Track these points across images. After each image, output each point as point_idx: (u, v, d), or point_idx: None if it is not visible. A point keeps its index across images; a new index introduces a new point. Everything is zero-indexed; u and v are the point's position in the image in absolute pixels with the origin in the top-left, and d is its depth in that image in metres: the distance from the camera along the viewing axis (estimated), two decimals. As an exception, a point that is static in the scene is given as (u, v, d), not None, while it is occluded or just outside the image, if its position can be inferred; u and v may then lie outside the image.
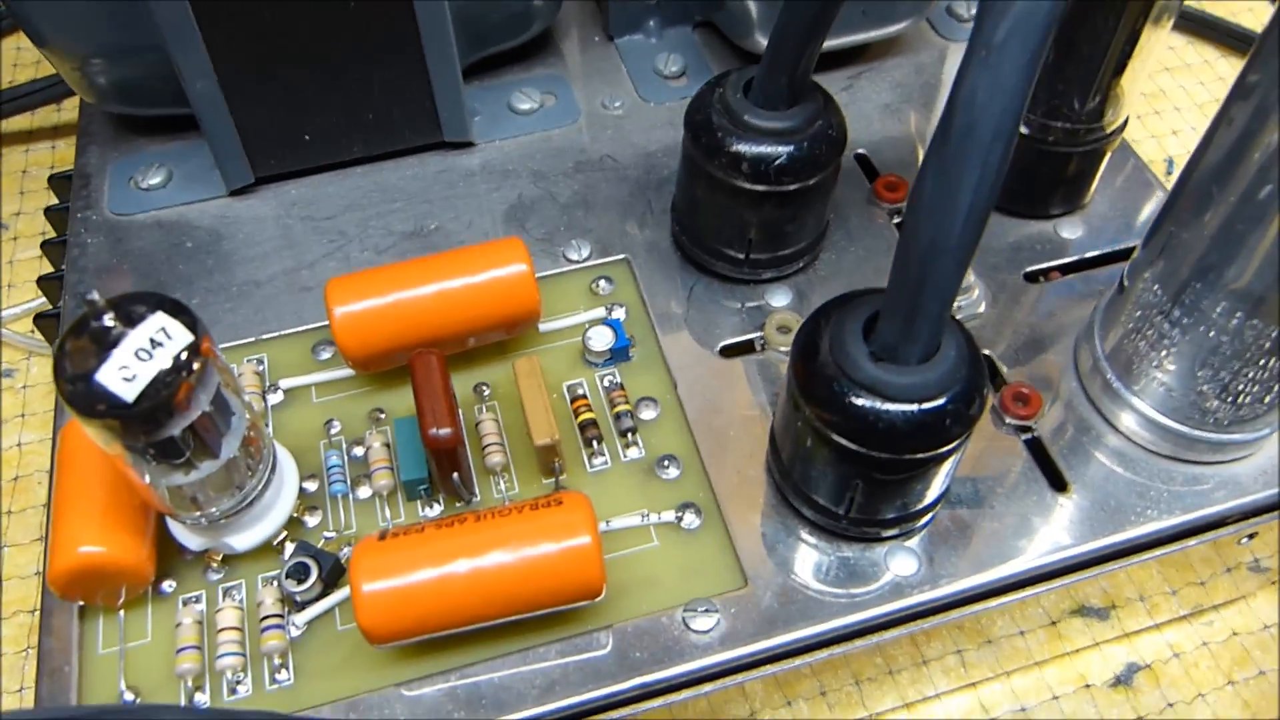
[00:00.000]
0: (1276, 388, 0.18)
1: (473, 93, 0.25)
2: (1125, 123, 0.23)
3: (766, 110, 0.20)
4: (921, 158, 0.25)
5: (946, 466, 0.17)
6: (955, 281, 0.15)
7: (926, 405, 0.16)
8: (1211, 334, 0.18)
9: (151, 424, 0.15)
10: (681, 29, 0.27)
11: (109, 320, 0.14)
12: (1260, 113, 0.15)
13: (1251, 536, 0.20)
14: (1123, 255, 0.23)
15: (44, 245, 0.26)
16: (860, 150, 0.25)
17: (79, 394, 0.14)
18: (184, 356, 0.15)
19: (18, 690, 0.23)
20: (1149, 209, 0.24)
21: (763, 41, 0.25)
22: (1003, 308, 0.22)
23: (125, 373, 0.14)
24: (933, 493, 0.18)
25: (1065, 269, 0.23)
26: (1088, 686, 0.23)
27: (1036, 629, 0.23)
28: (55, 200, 0.26)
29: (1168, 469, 0.20)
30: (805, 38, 0.19)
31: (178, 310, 0.15)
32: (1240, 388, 0.18)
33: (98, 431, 0.15)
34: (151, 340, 0.15)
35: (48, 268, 0.26)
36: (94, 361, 0.14)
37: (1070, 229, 0.23)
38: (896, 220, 0.24)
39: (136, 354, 0.14)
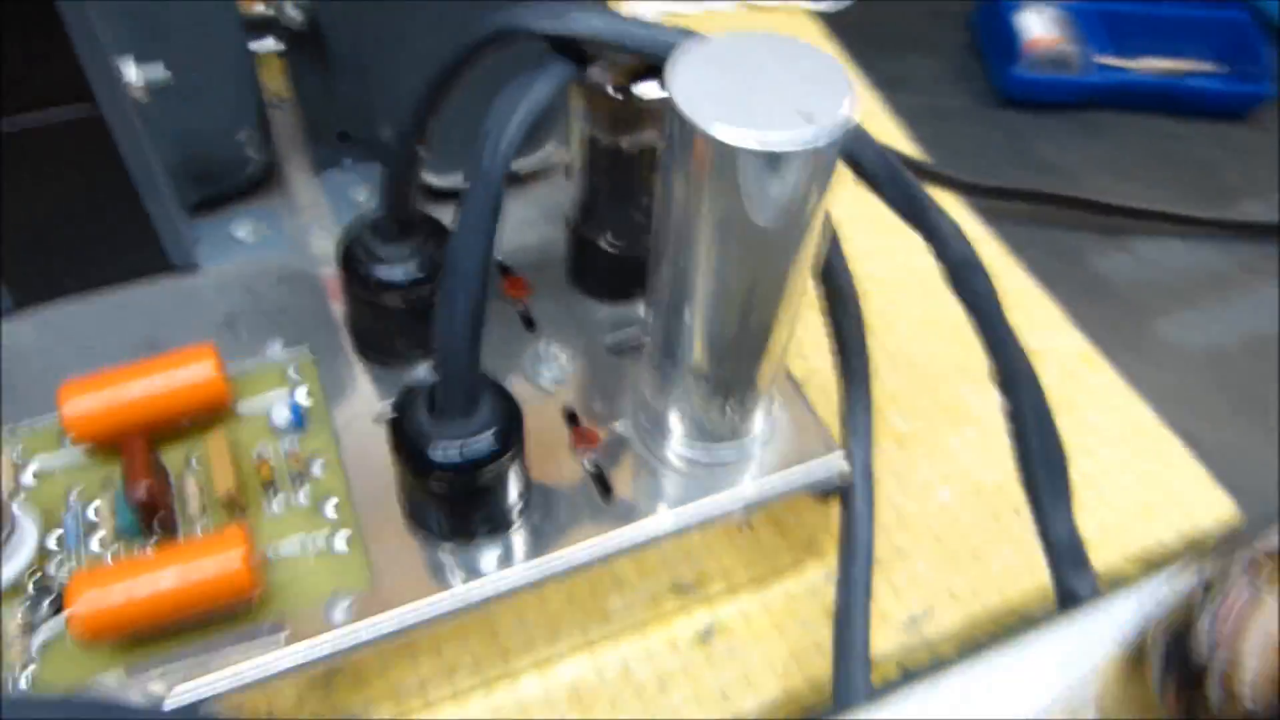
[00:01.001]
0: (730, 414, 0.27)
1: (199, 225, 0.33)
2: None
3: (389, 242, 0.28)
4: (547, 262, 0.33)
5: (501, 485, 0.25)
6: (469, 366, 0.23)
7: (468, 443, 0.24)
8: (678, 386, 0.26)
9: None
10: (373, 165, 0.35)
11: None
12: (658, 238, 0.24)
13: (747, 522, 0.29)
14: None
15: None
16: (500, 258, 0.33)
17: None
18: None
19: None
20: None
21: (432, 178, 0.33)
22: (592, 372, 0.30)
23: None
24: (504, 503, 0.26)
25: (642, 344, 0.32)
26: (675, 644, 0.31)
27: (640, 604, 0.31)
28: None
29: (688, 478, 0.28)
30: (402, 189, 0.27)
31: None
32: (711, 418, 0.27)
33: None
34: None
35: None
36: None
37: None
38: (519, 309, 0.32)
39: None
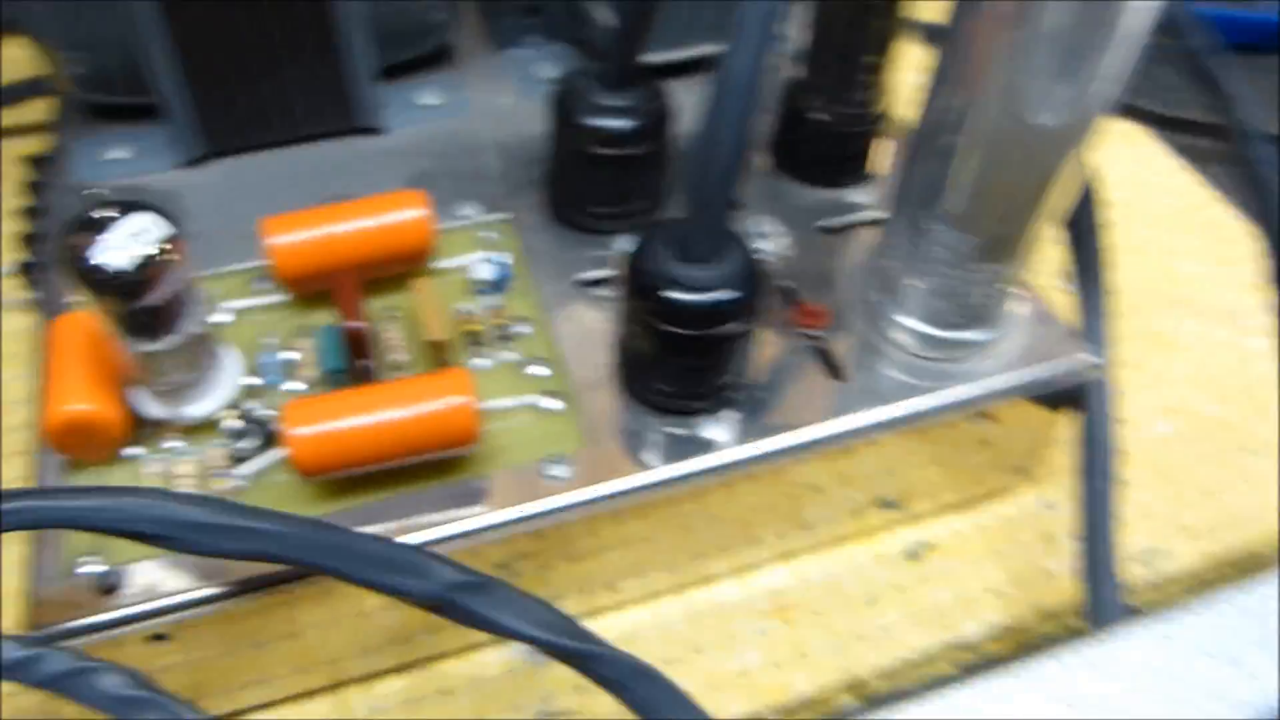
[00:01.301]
0: (990, 290, 0.24)
1: (387, 90, 0.31)
2: (886, 112, 0.29)
3: (609, 92, 0.26)
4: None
5: (738, 347, 0.23)
6: (731, 190, 0.21)
7: (719, 292, 0.22)
8: (934, 249, 0.24)
9: (133, 293, 0.20)
10: (560, 44, 0.33)
11: (106, 212, 0.20)
12: (940, 82, 0.22)
13: (985, 417, 0.26)
14: (904, 218, 0.30)
15: (25, 210, 0.31)
16: (701, 139, 0.31)
17: (82, 269, 0.19)
18: (163, 245, 0.20)
19: None
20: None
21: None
22: (803, 253, 0.28)
23: (119, 251, 0.19)
24: (733, 372, 0.24)
25: (850, 226, 0.29)
26: (883, 558, 0.28)
27: (843, 517, 0.28)
28: (36, 176, 0.31)
29: (923, 366, 0.26)
30: (632, 32, 0.25)
31: (163, 211, 0.20)
32: (963, 291, 0.24)
33: (91, 297, 0.20)
34: (140, 229, 0.20)
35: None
36: (92, 242, 0.19)
37: (859, 195, 0.30)
38: (726, 190, 0.30)
39: (129, 237, 0.19)
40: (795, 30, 0.28)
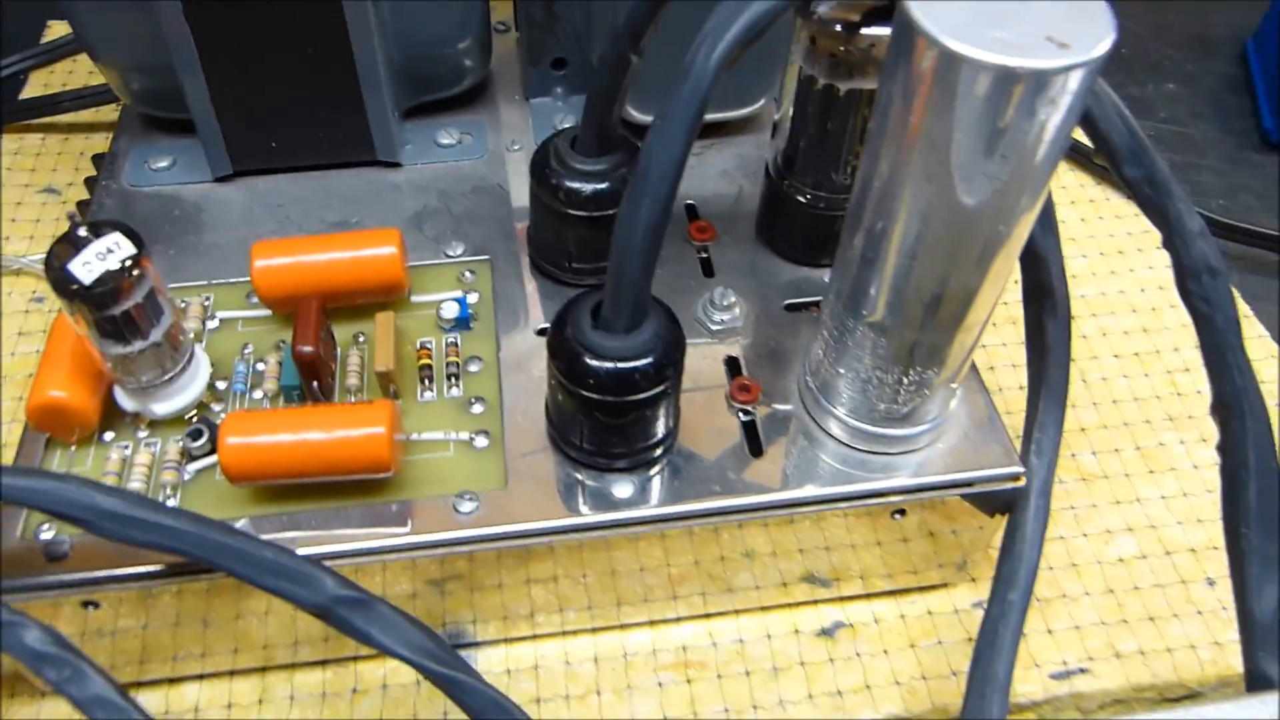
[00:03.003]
0: (903, 392, 0.25)
1: (411, 127, 0.34)
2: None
3: (583, 157, 0.27)
4: (737, 213, 0.32)
5: (650, 413, 0.24)
6: (641, 272, 0.22)
7: (625, 363, 0.23)
8: (854, 349, 0.24)
9: (99, 304, 0.23)
10: (581, 96, 0.35)
11: (83, 232, 0.22)
12: (862, 190, 0.22)
13: (900, 513, 0.27)
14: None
15: (78, 204, 0.34)
16: (690, 201, 0.32)
17: (57, 278, 0.22)
18: (127, 262, 0.23)
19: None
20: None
21: (633, 112, 0.33)
22: (760, 328, 0.29)
23: (88, 266, 0.22)
24: (648, 436, 0.25)
25: (816, 304, 0.30)
26: (797, 632, 0.29)
27: (770, 586, 0.29)
28: (96, 173, 0.35)
29: (845, 454, 0.26)
30: (605, 103, 0.26)
31: (130, 233, 0.23)
32: (880, 391, 0.25)
33: (66, 305, 0.23)
34: (108, 248, 0.22)
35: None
36: (69, 257, 0.22)
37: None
38: (702, 255, 0.31)
39: (97, 255, 0.22)
40: (784, 107, 0.29)
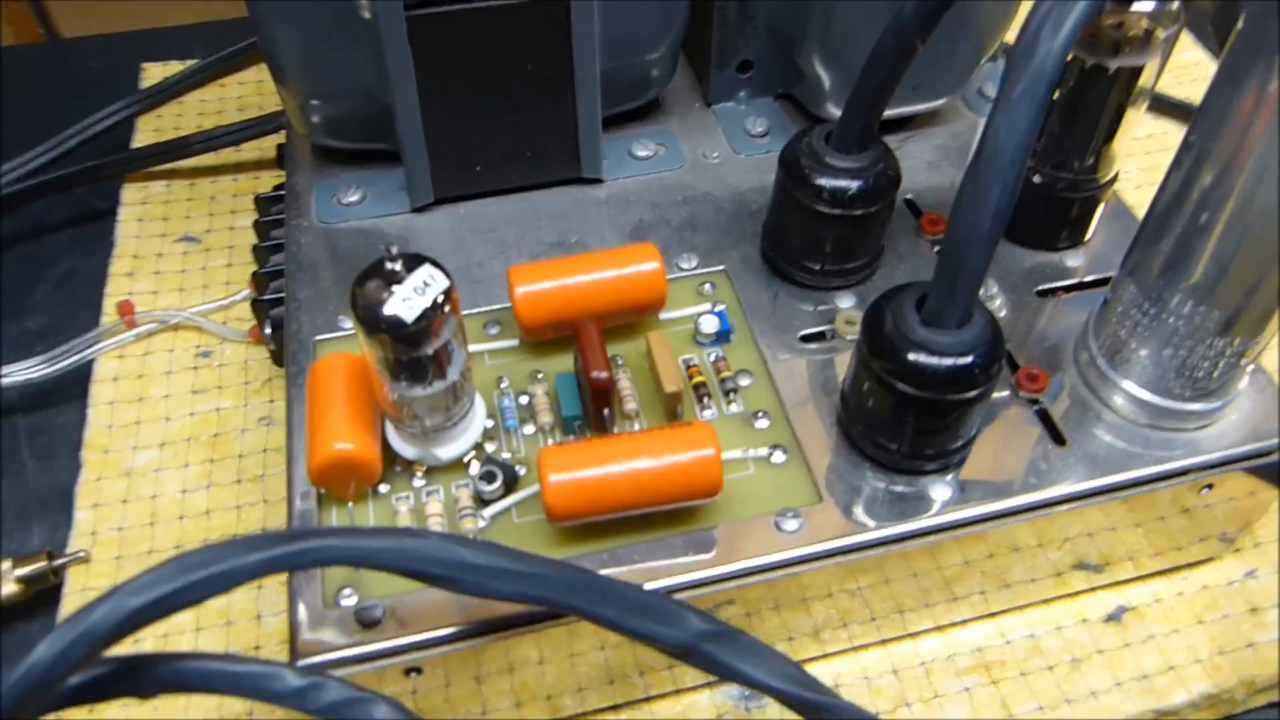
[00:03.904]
0: (1221, 364, 0.24)
1: (604, 142, 0.32)
2: (1115, 177, 0.29)
3: (841, 154, 0.26)
4: (955, 202, 0.31)
5: (974, 411, 0.23)
6: (984, 262, 0.21)
7: (961, 359, 0.22)
8: (1170, 320, 0.24)
9: (415, 343, 0.21)
10: (766, 99, 0.34)
11: (395, 266, 0.21)
12: (1198, 160, 0.22)
13: (1209, 487, 0.26)
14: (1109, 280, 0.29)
15: (255, 248, 0.33)
16: (909, 195, 0.31)
17: (373, 317, 0.21)
18: (441, 298, 0.21)
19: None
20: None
21: (832, 109, 0.32)
22: (1019, 316, 0.28)
23: (407, 303, 0.21)
24: (963, 434, 0.24)
25: (1069, 289, 0.29)
26: (1085, 621, 0.28)
27: (1045, 578, 0.28)
28: (256, 215, 0.33)
29: (1144, 434, 0.26)
30: (876, 96, 0.25)
31: (439, 267, 0.22)
32: (1194, 364, 0.24)
33: (375, 345, 0.21)
34: (424, 282, 0.21)
35: (234, 274, 0.33)
36: (385, 294, 0.21)
37: (1074, 259, 0.30)
38: (936, 249, 0.30)
39: (415, 290, 0.21)
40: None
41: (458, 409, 0.24)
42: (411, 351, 0.22)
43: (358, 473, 0.24)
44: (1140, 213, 0.31)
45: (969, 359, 0.22)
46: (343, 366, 0.24)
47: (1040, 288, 0.29)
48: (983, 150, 0.20)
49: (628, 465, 0.22)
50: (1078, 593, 0.29)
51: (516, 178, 0.31)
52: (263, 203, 0.34)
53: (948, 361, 0.22)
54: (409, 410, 0.23)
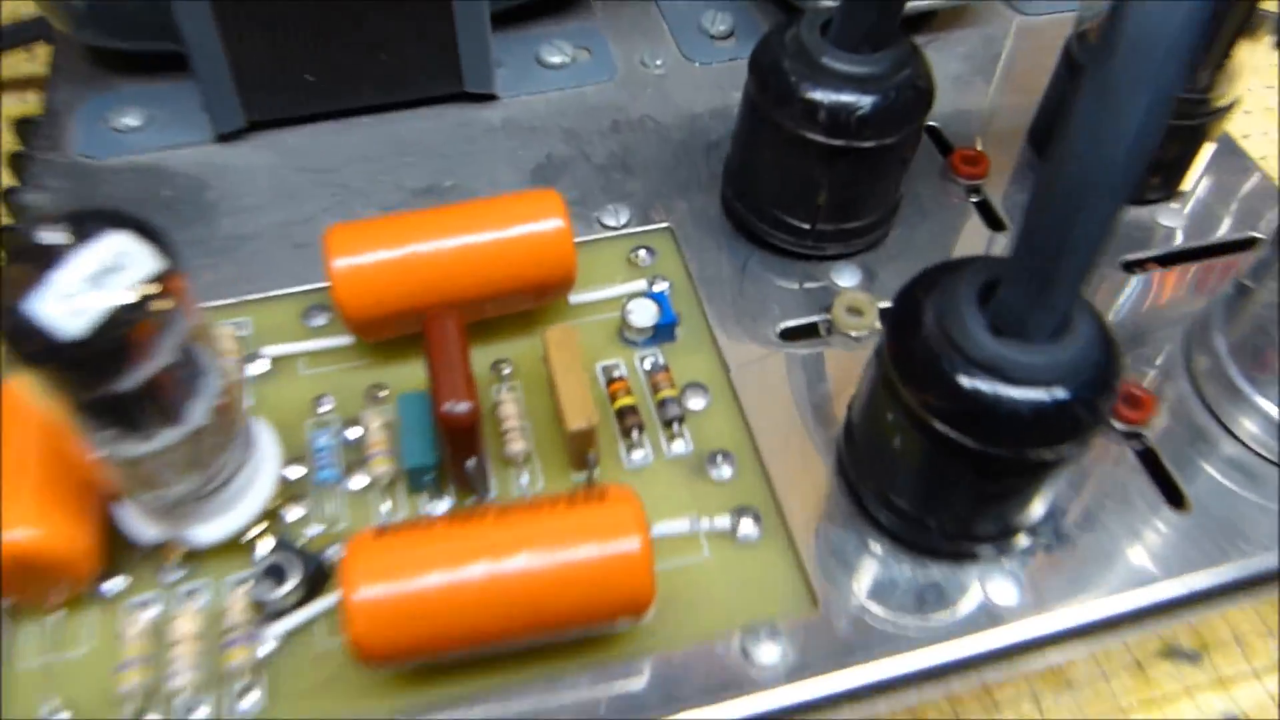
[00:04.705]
0: None
1: (498, 43, 0.23)
2: (1235, 104, 0.20)
3: (846, 53, 0.17)
4: (997, 133, 0.22)
5: (1065, 469, 0.14)
6: (1106, 230, 0.12)
7: (1057, 390, 0.13)
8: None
9: (100, 373, 0.12)
10: (729, -12, 0.25)
11: (51, 237, 0.11)
12: None
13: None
14: (1227, 249, 0.21)
15: (6, 194, 0.23)
16: (932, 123, 0.22)
17: (10, 327, 0.11)
18: (146, 290, 0.12)
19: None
20: (1252, 203, 0.21)
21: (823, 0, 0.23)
22: (1098, 299, 0.19)
23: (70, 302, 0.11)
24: (1043, 503, 0.15)
25: (1164, 260, 0.20)
26: (1180, 737, 0.20)
27: (1120, 671, 0.20)
28: (20, 146, 0.23)
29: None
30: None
31: (148, 233, 0.12)
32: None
33: (34, 379, 0.12)
34: (105, 265, 0.11)
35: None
36: (30, 287, 0.11)
37: (1169, 217, 0.21)
38: (975, 199, 0.21)
39: (86, 280, 0.11)
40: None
41: (220, 463, 0.14)
42: (98, 386, 0.12)
43: (54, 573, 0.14)
44: (1266, 165, 0.22)
45: (1067, 390, 0.13)
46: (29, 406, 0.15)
47: (1126, 258, 0.20)
48: (1117, 41, 0.11)
49: (491, 568, 0.13)
50: (1168, 696, 0.20)
51: (369, 94, 0.21)
52: (26, 129, 0.24)
53: (1035, 394, 0.13)
54: (132, 475, 0.14)
